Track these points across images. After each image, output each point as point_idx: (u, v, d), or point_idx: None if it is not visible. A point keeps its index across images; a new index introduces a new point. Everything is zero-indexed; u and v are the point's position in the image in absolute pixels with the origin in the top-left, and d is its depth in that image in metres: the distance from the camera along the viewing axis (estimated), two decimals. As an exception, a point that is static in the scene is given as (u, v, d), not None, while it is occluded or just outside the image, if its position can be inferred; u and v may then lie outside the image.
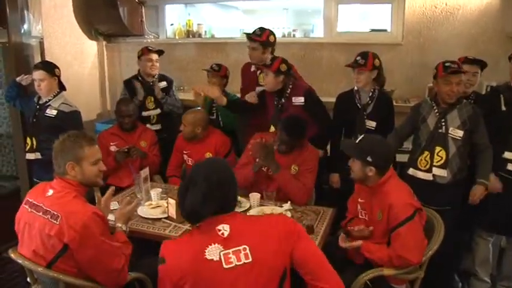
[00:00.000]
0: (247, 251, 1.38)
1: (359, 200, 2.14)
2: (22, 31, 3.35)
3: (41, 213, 1.65)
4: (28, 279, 1.81)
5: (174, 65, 4.13)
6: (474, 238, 2.65)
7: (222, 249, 1.38)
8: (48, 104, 2.83)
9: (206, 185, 1.41)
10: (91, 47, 4.21)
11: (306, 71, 3.32)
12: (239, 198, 2.42)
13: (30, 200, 1.73)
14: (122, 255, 1.71)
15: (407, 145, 2.67)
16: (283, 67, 2.75)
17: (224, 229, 1.40)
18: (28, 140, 2.86)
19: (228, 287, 1.37)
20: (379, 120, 2.69)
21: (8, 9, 3.23)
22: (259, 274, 1.38)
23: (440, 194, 2.38)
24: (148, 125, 3.38)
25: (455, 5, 3.40)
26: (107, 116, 4.32)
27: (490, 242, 2.62)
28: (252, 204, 2.39)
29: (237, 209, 2.28)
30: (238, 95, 3.35)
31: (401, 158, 2.68)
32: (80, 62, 4.06)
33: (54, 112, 2.80)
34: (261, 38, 2.98)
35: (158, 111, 3.43)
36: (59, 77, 2.88)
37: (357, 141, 2.05)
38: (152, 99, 3.41)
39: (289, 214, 2.28)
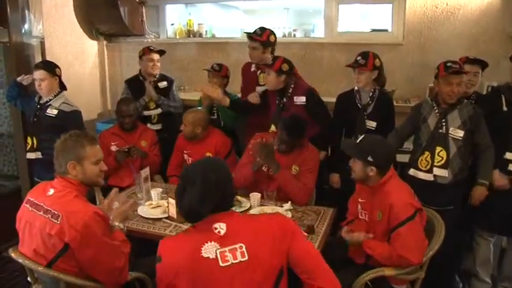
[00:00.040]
0: (244, 249, 1.40)
1: (359, 200, 2.14)
2: (23, 31, 3.36)
3: (41, 213, 1.66)
4: (28, 279, 1.81)
5: (174, 64, 4.13)
6: (475, 238, 2.64)
7: (219, 247, 1.39)
8: (48, 103, 2.83)
9: (204, 183, 1.42)
10: (92, 46, 4.21)
11: (306, 71, 3.32)
12: (240, 198, 2.43)
13: (31, 199, 1.73)
14: (123, 254, 1.71)
15: (408, 145, 2.67)
16: (285, 66, 2.76)
17: (221, 227, 1.42)
18: (29, 140, 2.87)
19: (225, 284, 1.38)
20: (379, 120, 2.69)
21: (8, 9, 3.23)
22: (255, 272, 1.39)
23: (441, 194, 2.38)
24: (149, 125, 3.39)
25: (456, 5, 3.39)
26: (108, 115, 4.32)
27: (491, 243, 2.61)
28: (253, 204, 2.39)
29: (238, 209, 2.29)
30: (239, 95, 3.35)
31: (402, 158, 2.67)
32: (80, 62, 4.06)
33: (55, 112, 2.81)
34: (262, 37, 2.98)
35: (159, 110, 3.43)
36: (59, 76, 2.88)
37: (358, 141, 2.05)
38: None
39: (289, 214, 2.28)
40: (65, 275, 1.64)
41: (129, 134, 3.15)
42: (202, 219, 1.44)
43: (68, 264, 1.64)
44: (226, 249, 1.39)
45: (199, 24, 4.39)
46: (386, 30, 3.71)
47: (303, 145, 2.57)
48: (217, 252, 1.38)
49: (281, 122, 2.55)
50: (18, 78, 2.96)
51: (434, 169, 2.37)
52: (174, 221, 2.21)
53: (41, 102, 2.86)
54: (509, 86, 2.51)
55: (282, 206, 2.37)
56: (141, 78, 3.46)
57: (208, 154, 2.89)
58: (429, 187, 2.37)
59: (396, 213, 1.88)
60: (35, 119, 2.86)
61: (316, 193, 2.70)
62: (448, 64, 2.33)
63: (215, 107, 3.26)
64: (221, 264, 1.37)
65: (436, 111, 2.41)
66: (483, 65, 2.61)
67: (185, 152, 3.00)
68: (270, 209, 2.34)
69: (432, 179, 2.39)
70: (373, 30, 3.86)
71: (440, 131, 2.37)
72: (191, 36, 4.36)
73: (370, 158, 1.95)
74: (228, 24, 4.75)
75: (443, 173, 2.37)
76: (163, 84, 3.48)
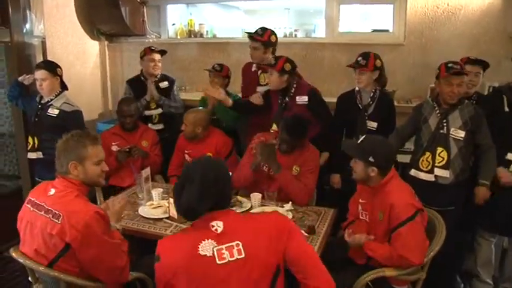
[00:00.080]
0: (240, 246, 1.40)
1: (360, 200, 2.13)
2: (24, 31, 3.36)
3: (42, 212, 1.66)
4: (29, 279, 1.81)
5: (176, 64, 4.13)
6: (476, 239, 2.64)
7: (216, 244, 1.40)
8: (50, 103, 2.83)
9: (203, 182, 1.43)
10: (93, 46, 4.22)
11: (307, 71, 3.32)
12: (240, 198, 2.43)
13: (32, 199, 1.73)
14: (123, 253, 1.71)
15: (409, 146, 2.67)
16: (288, 66, 2.76)
17: (218, 225, 1.42)
18: (30, 140, 2.87)
19: (221, 282, 1.38)
20: (380, 120, 2.68)
21: (10, 9, 3.24)
22: (252, 270, 1.39)
23: (443, 194, 2.37)
24: (150, 125, 3.39)
25: (457, 5, 3.39)
26: (109, 115, 4.33)
27: (492, 243, 2.60)
28: (253, 205, 2.39)
29: (239, 209, 2.30)
30: (240, 95, 3.35)
31: (403, 158, 2.67)
32: (81, 62, 4.07)
33: (56, 111, 2.81)
34: (263, 37, 2.98)
35: (160, 110, 3.43)
36: (61, 76, 2.89)
37: (359, 141, 2.05)
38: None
39: (290, 214, 2.28)
40: (66, 275, 1.64)
41: (130, 134, 3.15)
42: (200, 217, 1.45)
43: (69, 264, 1.64)
44: (223, 246, 1.40)
45: (200, 24, 4.39)
46: (387, 31, 3.71)
47: (304, 145, 2.57)
48: (214, 249, 1.39)
49: (282, 122, 2.54)
50: (20, 78, 2.97)
51: (436, 169, 2.37)
52: (174, 221, 2.21)
53: (42, 102, 2.87)
54: (511, 86, 2.51)
55: (282, 207, 2.37)
56: (142, 78, 3.46)
57: (209, 154, 2.89)
58: (430, 187, 2.36)
59: (397, 213, 1.88)
60: (36, 119, 2.86)
61: (317, 194, 2.70)
62: (449, 65, 2.33)
63: (215, 107, 3.26)
64: (218, 261, 1.38)
65: (437, 111, 2.41)
66: (484, 65, 2.61)
67: (186, 152, 3.00)
68: (270, 209, 2.33)
69: (433, 179, 2.39)
70: (374, 31, 3.85)
71: (441, 131, 2.37)
72: (192, 36, 4.36)
73: (371, 159, 1.95)
74: (229, 25, 4.75)
75: (444, 173, 2.36)
76: (164, 84, 3.48)
